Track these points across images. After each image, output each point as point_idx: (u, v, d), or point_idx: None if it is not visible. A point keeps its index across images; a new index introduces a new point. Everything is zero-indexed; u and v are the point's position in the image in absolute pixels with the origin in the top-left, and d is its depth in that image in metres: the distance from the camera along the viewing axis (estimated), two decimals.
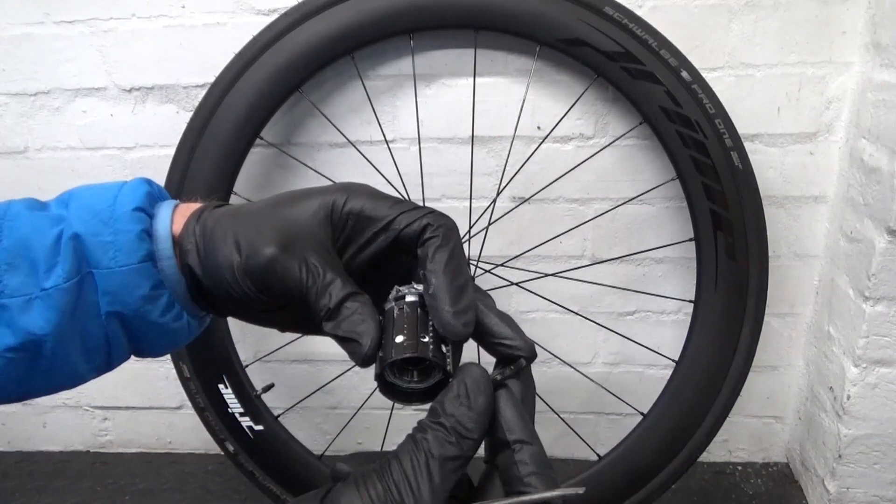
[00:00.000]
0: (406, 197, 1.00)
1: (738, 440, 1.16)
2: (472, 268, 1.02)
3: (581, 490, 0.31)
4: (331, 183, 0.46)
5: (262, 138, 0.96)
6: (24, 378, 0.35)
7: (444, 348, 0.34)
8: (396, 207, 0.37)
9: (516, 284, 1.03)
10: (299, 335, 1.08)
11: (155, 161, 1.05)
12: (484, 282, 1.04)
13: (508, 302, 1.09)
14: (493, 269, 1.03)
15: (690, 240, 0.93)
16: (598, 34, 0.86)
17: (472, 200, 1.01)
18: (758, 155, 0.96)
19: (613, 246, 1.04)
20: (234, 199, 0.97)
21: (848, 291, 0.93)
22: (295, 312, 0.38)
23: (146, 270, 0.36)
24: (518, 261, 1.05)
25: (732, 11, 0.90)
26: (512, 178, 1.00)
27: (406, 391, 0.34)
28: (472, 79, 0.96)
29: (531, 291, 1.04)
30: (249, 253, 0.35)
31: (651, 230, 1.03)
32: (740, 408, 1.09)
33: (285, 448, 0.99)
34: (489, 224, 1.02)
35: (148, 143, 1.05)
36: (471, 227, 1.02)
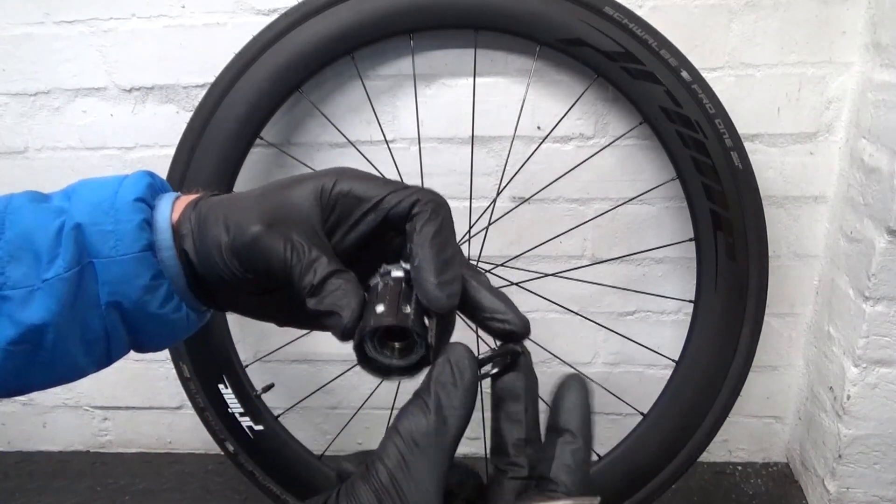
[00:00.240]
0: None
1: (738, 440, 1.16)
2: None
3: (597, 500, 0.30)
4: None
5: (262, 138, 0.96)
6: (24, 371, 0.35)
7: (426, 321, 0.33)
8: (386, 187, 0.36)
9: (516, 284, 1.03)
10: (299, 335, 1.08)
11: (155, 161, 1.05)
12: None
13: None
14: (493, 269, 1.03)
15: (690, 240, 0.93)
16: (598, 34, 0.86)
17: (472, 200, 1.01)
18: (758, 155, 0.96)
19: (613, 246, 1.04)
20: None
21: (848, 291, 0.93)
22: (285, 298, 0.38)
23: (146, 260, 0.36)
24: (518, 261, 1.05)
25: (732, 11, 0.90)
26: (512, 178, 1.00)
27: (385, 366, 0.34)
28: (472, 79, 0.96)
29: (531, 291, 1.04)
30: (236, 232, 0.36)
31: (651, 230, 1.03)
32: (740, 408, 1.09)
33: (285, 448, 0.99)
34: (489, 224, 1.02)
35: (148, 143, 1.05)
36: (471, 227, 1.02)
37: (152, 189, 0.39)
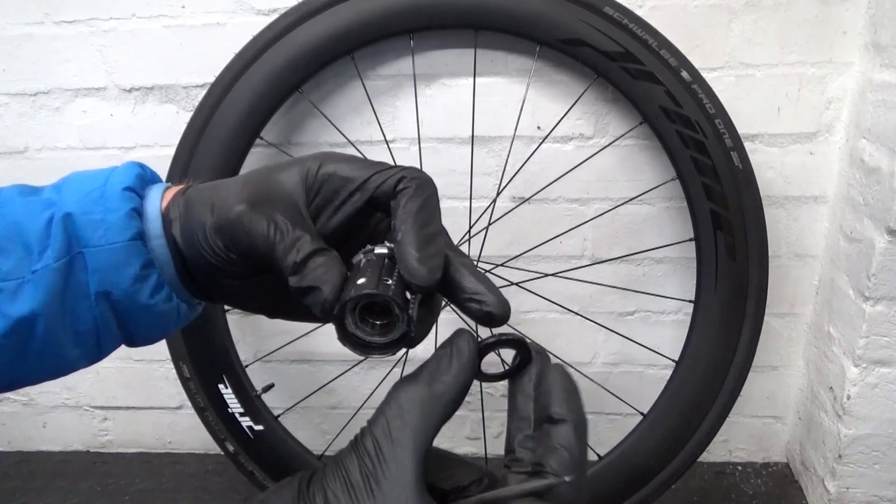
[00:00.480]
0: None
1: (738, 440, 1.16)
2: None
3: (567, 479, 0.30)
4: None
5: (262, 138, 0.96)
6: (16, 364, 0.35)
7: (408, 296, 0.33)
8: (371, 167, 0.36)
9: (516, 284, 1.03)
10: (299, 335, 1.08)
11: (155, 161, 1.04)
12: None
13: (508, 302, 1.09)
14: (493, 269, 1.03)
15: (690, 240, 0.93)
16: (598, 34, 0.86)
17: (472, 200, 1.01)
18: (758, 155, 0.96)
19: (613, 246, 1.04)
20: None
21: (848, 291, 0.93)
22: (270, 283, 0.38)
23: (136, 249, 0.36)
24: (518, 261, 1.05)
25: (732, 11, 0.90)
26: (512, 178, 1.00)
27: (366, 342, 0.33)
28: (472, 79, 0.96)
29: (531, 291, 1.04)
30: (220, 211, 0.36)
31: (651, 230, 1.03)
32: (740, 408, 1.09)
33: (285, 448, 0.99)
34: (489, 224, 1.02)
35: (148, 143, 1.05)
36: (471, 227, 1.02)
37: (142, 179, 0.39)
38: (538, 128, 0.99)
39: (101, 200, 0.36)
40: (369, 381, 1.15)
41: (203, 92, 0.95)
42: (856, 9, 0.88)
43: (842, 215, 0.95)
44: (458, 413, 0.32)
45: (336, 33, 0.89)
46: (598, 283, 1.05)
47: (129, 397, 1.23)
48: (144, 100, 1.02)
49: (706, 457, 1.13)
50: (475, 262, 1.01)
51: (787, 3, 0.89)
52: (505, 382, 0.36)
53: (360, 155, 1.00)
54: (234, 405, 0.98)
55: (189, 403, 0.99)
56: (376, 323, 0.33)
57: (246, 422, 0.98)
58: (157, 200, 0.38)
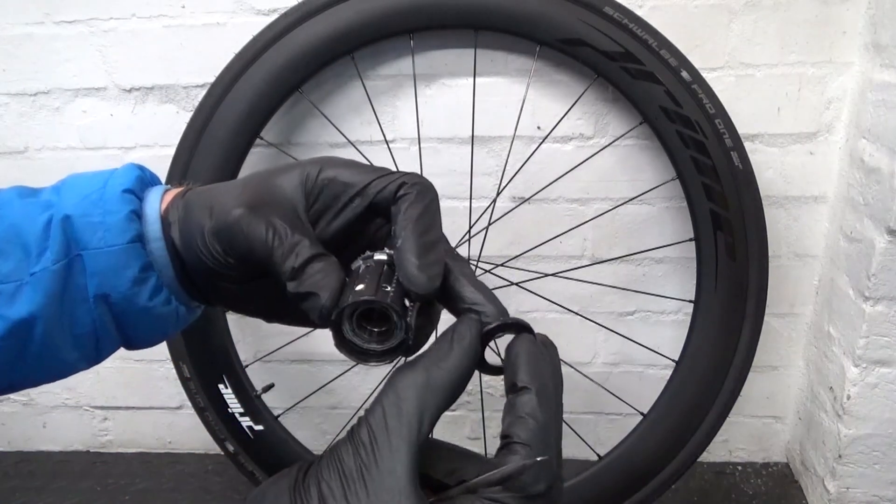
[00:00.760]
0: None
1: (738, 440, 1.16)
2: (473, 268, 1.02)
3: (539, 458, 0.29)
4: None
5: (262, 138, 0.96)
6: (14, 366, 0.35)
7: (407, 303, 0.33)
8: (372, 173, 0.36)
9: (516, 284, 1.03)
10: (299, 335, 1.08)
11: (155, 161, 1.05)
12: (484, 282, 1.03)
13: (508, 302, 1.09)
14: (493, 269, 1.03)
15: (690, 240, 0.93)
16: (598, 34, 0.86)
17: (472, 200, 1.01)
18: (758, 155, 0.96)
19: (613, 246, 1.04)
20: None
21: (848, 291, 0.93)
22: (268, 288, 0.37)
23: (135, 251, 0.36)
24: (518, 261, 1.05)
25: (732, 11, 0.90)
26: (512, 178, 1.00)
27: (363, 349, 0.33)
28: (472, 79, 0.96)
29: (531, 291, 1.04)
30: (219, 215, 0.35)
31: (651, 230, 1.03)
32: (740, 408, 1.09)
33: (285, 448, 0.99)
34: (489, 224, 1.02)
35: (148, 143, 1.05)
36: (471, 227, 1.02)
37: (142, 181, 0.39)
38: (538, 128, 0.99)
39: (100, 202, 0.36)
40: (369, 381, 1.15)
41: (203, 92, 0.95)
42: (856, 9, 0.88)
43: (842, 215, 0.95)
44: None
45: (336, 33, 0.89)
46: (598, 283, 1.05)
47: (129, 397, 1.23)
48: (144, 100, 1.02)
49: (706, 457, 1.14)
50: (475, 263, 1.01)
51: (787, 3, 0.89)
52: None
53: (360, 155, 1.00)
54: (234, 405, 0.98)
55: (189, 403, 0.99)
56: (374, 330, 0.33)
57: (246, 422, 0.98)
58: (156, 203, 0.38)
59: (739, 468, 1.16)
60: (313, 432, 1.20)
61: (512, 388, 0.31)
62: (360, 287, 0.32)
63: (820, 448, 1.02)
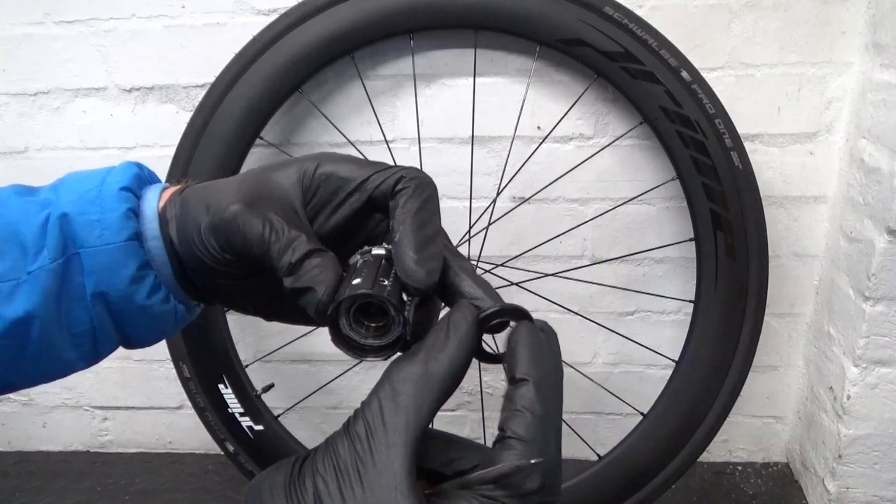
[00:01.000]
0: None
1: (738, 440, 1.16)
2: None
3: (535, 461, 0.28)
4: None
5: (262, 138, 0.96)
6: (12, 365, 0.35)
7: (405, 298, 0.32)
8: (370, 168, 0.35)
9: (516, 284, 1.03)
10: (299, 335, 1.08)
11: (155, 161, 1.05)
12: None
13: (509, 302, 1.09)
14: (493, 269, 1.03)
15: (690, 240, 0.93)
16: (598, 34, 0.86)
17: (472, 200, 1.01)
18: (758, 155, 0.96)
19: (613, 246, 1.04)
20: None
21: (848, 291, 0.93)
22: (266, 284, 0.37)
23: (132, 249, 0.36)
24: (518, 261, 1.05)
25: (732, 11, 0.90)
26: (512, 178, 1.00)
27: (360, 345, 0.32)
28: (472, 79, 0.96)
29: (531, 291, 1.04)
30: (215, 211, 0.35)
31: (651, 230, 1.03)
32: (740, 408, 1.09)
33: (285, 448, 0.99)
34: (489, 224, 1.02)
35: (148, 143, 1.05)
36: (471, 227, 1.02)
37: (139, 179, 0.38)
38: (538, 128, 0.99)
39: (97, 200, 0.36)
40: (369, 381, 1.15)
41: (203, 92, 0.95)
42: (856, 9, 0.88)
43: (842, 215, 0.95)
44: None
45: (336, 33, 0.89)
46: (598, 283, 1.05)
47: (129, 397, 1.23)
48: (144, 100, 1.02)
49: (706, 457, 1.14)
50: (475, 263, 1.01)
51: (787, 3, 0.89)
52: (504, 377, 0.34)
53: (359, 155, 1.00)
54: (234, 405, 0.98)
55: (189, 403, 0.99)
56: (371, 325, 0.32)
57: (246, 422, 0.98)
58: (154, 200, 0.38)
59: (739, 468, 1.16)
60: (313, 432, 1.20)
61: (511, 380, 0.31)
62: (356, 281, 0.31)
63: (820, 448, 1.02)
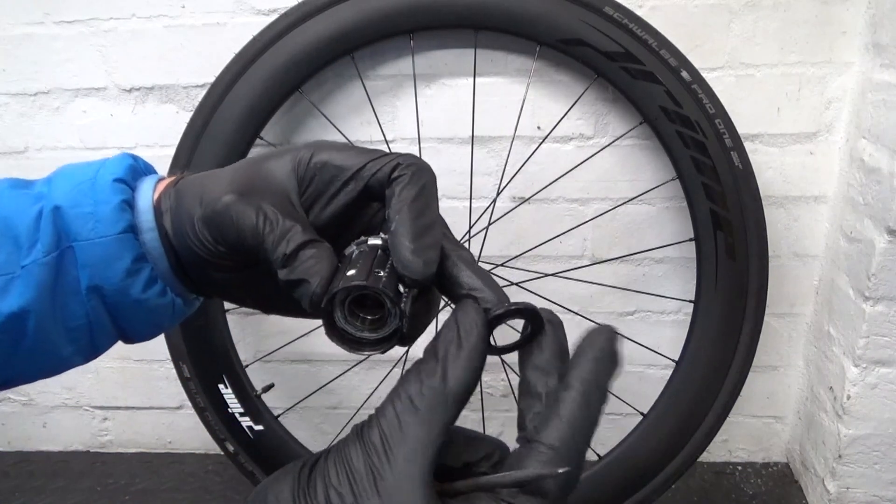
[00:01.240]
0: None
1: (738, 440, 1.16)
2: None
3: (561, 470, 0.27)
4: None
5: (262, 138, 0.96)
6: (7, 361, 0.34)
7: (401, 289, 0.31)
8: (366, 155, 0.34)
9: (516, 284, 1.03)
10: (299, 335, 1.08)
11: (155, 161, 1.03)
12: None
13: (513, 301, 1.09)
14: (493, 269, 1.03)
15: (690, 240, 0.93)
16: (598, 34, 0.86)
17: (472, 200, 1.01)
18: (758, 155, 0.96)
19: (613, 246, 1.04)
20: None
21: (848, 291, 0.93)
22: (262, 277, 0.36)
23: (127, 242, 0.35)
24: (518, 261, 1.05)
25: (732, 11, 0.90)
26: (512, 178, 1.00)
27: (356, 338, 0.31)
28: (472, 79, 0.96)
29: (531, 291, 1.04)
30: (208, 202, 0.34)
31: (651, 230, 1.03)
32: (740, 408, 1.09)
33: (285, 448, 0.99)
34: (489, 224, 1.02)
35: (148, 143, 1.05)
36: (471, 227, 1.02)
37: (134, 171, 0.38)
38: (538, 128, 0.99)
39: (90, 192, 0.35)
40: (369, 381, 1.15)
41: (203, 92, 0.95)
42: (856, 9, 0.88)
43: (842, 215, 0.95)
44: None
45: (336, 33, 0.88)
46: (598, 283, 1.05)
47: (129, 397, 1.23)
48: (144, 100, 1.02)
49: (706, 457, 1.13)
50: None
51: (787, 3, 0.89)
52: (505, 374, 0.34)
53: None
54: (234, 405, 0.98)
55: (189, 403, 0.99)
56: (367, 318, 0.31)
57: (246, 422, 0.98)
58: (149, 192, 0.37)
59: (739, 468, 1.15)
60: (313, 432, 1.20)
61: (564, 385, 0.29)
62: (351, 272, 0.31)
63: (820, 448, 1.02)
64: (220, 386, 0.97)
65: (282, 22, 0.89)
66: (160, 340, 0.95)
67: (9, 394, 1.25)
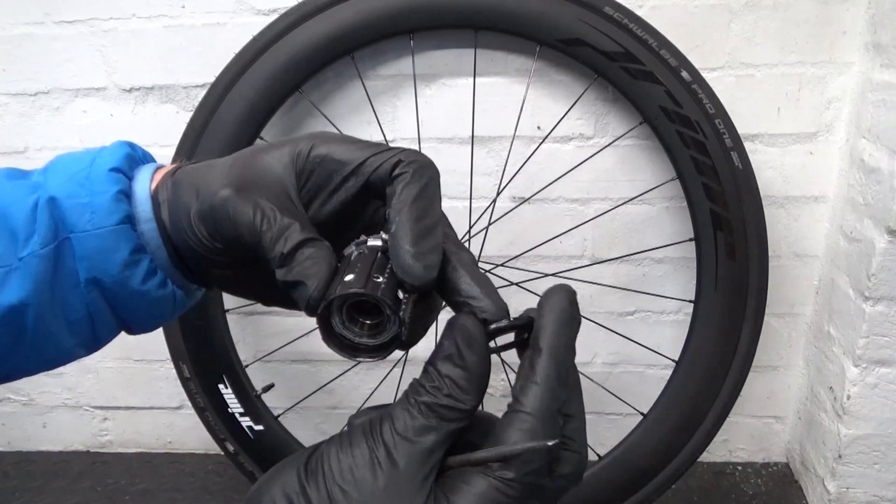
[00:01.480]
0: None
1: (738, 440, 1.16)
2: None
3: (551, 443, 0.28)
4: None
5: (262, 138, 0.96)
6: (9, 355, 0.34)
7: (401, 295, 0.30)
8: (368, 149, 0.33)
9: (516, 284, 1.03)
10: (299, 335, 1.08)
11: None
12: None
13: (508, 302, 1.08)
14: (492, 269, 1.03)
15: (690, 240, 0.93)
16: (598, 34, 0.86)
17: (472, 200, 1.01)
18: (758, 155, 0.96)
19: (613, 246, 1.04)
20: None
21: (848, 291, 0.93)
22: (261, 272, 0.35)
23: (124, 233, 0.34)
24: (518, 261, 1.05)
25: (732, 11, 0.90)
26: (512, 178, 1.00)
27: (354, 344, 0.30)
28: (472, 79, 0.96)
29: (531, 291, 1.04)
30: (204, 196, 0.33)
31: (651, 230, 1.03)
32: (740, 408, 1.09)
33: (285, 448, 0.99)
34: (489, 224, 1.02)
35: (148, 143, 1.05)
36: (471, 227, 1.02)
37: (131, 159, 0.37)
38: (538, 128, 0.99)
39: (86, 183, 0.34)
40: (369, 381, 1.15)
41: (203, 92, 0.95)
42: (856, 9, 0.88)
43: (842, 215, 0.95)
44: None
45: (336, 33, 0.89)
46: (598, 283, 1.05)
47: (129, 397, 1.23)
48: (144, 100, 1.02)
49: (706, 457, 1.13)
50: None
51: (787, 3, 0.89)
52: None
53: None
54: (234, 405, 0.98)
55: (189, 403, 0.99)
56: (366, 322, 0.31)
57: (246, 422, 0.98)
58: (146, 182, 0.36)
59: (739, 468, 1.15)
60: (313, 432, 1.20)
61: (532, 347, 0.30)
62: (349, 278, 0.30)
63: (820, 448, 1.02)
64: (220, 386, 0.97)
65: (282, 22, 0.89)
66: (160, 340, 0.95)
67: (9, 394, 1.25)
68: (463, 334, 0.29)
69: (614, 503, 0.95)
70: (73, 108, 1.04)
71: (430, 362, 0.30)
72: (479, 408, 0.30)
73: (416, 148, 1.00)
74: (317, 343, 1.17)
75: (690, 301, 0.94)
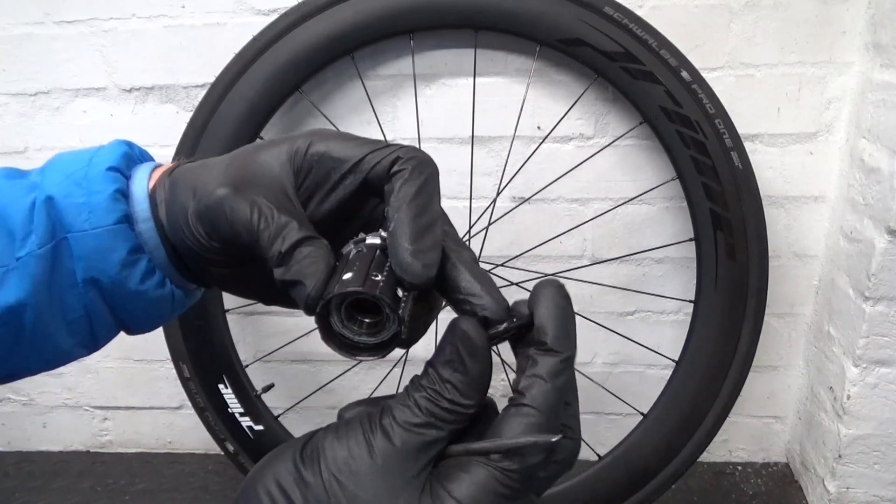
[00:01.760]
0: None
1: (738, 440, 1.16)
2: None
3: (555, 438, 0.28)
4: None
5: (262, 138, 0.96)
6: (8, 355, 0.34)
7: (400, 293, 0.30)
8: (366, 146, 0.33)
9: (516, 284, 1.03)
10: (299, 335, 1.08)
11: None
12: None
13: (508, 302, 1.09)
14: (493, 269, 1.03)
15: (690, 240, 0.93)
16: (598, 34, 0.86)
17: (472, 200, 1.01)
18: (758, 155, 0.96)
19: (613, 246, 1.04)
20: None
21: (848, 291, 0.93)
22: (259, 272, 0.35)
23: (122, 232, 0.34)
24: (518, 261, 1.05)
25: (732, 11, 0.90)
26: (512, 178, 1.00)
27: (352, 342, 0.30)
28: (472, 79, 0.96)
29: (531, 291, 1.04)
30: (201, 195, 0.33)
31: (651, 230, 1.03)
32: (740, 408, 1.09)
33: None
34: (489, 224, 1.02)
35: (148, 143, 1.05)
36: (471, 227, 1.02)
37: (128, 158, 0.37)
38: (538, 128, 0.99)
39: (83, 182, 0.34)
40: (369, 381, 1.15)
41: (203, 92, 0.95)
42: (856, 9, 0.88)
43: (842, 215, 0.95)
44: None
45: (336, 33, 0.89)
46: (598, 283, 1.05)
47: (129, 397, 1.23)
48: (144, 100, 1.02)
49: (706, 457, 1.13)
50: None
51: (787, 3, 0.89)
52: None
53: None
54: (234, 405, 0.98)
55: (189, 403, 0.99)
56: (365, 321, 0.30)
57: (246, 422, 0.98)
58: (143, 181, 0.36)
59: (739, 468, 1.15)
60: None
61: (535, 343, 0.30)
62: (347, 276, 0.29)
63: (820, 448, 1.02)
64: (220, 386, 0.97)
65: (282, 22, 0.89)
66: (160, 340, 0.95)
67: (9, 394, 1.25)
68: (465, 341, 0.29)
69: (614, 503, 0.95)
70: (73, 108, 1.04)
71: (432, 364, 0.30)
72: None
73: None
74: (317, 343, 1.17)
75: (690, 301, 0.94)
